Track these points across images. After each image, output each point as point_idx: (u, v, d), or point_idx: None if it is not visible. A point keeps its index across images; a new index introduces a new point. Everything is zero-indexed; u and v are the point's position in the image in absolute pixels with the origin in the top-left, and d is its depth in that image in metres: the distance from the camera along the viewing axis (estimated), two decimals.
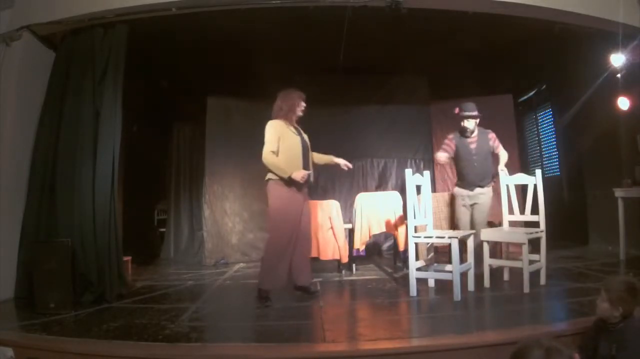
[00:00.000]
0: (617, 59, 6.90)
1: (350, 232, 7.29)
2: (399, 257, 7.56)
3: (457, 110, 6.52)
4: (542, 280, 5.93)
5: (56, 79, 6.18)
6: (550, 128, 10.60)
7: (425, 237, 5.83)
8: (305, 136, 5.77)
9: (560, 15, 6.22)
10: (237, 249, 8.71)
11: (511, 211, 6.39)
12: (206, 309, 5.29)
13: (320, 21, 6.63)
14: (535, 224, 6.12)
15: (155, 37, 6.93)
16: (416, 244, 5.88)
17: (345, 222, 7.40)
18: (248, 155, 8.17)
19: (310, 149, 5.76)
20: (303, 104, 5.77)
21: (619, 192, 7.41)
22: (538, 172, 6.20)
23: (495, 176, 6.58)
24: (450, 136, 6.65)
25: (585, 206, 9.15)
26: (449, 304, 5.31)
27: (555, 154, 10.51)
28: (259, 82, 7.80)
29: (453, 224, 7.07)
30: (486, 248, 5.96)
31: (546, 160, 10.96)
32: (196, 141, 9.34)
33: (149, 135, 9.53)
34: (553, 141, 10.53)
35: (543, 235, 6.02)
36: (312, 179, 5.68)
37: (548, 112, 10.65)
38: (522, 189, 6.58)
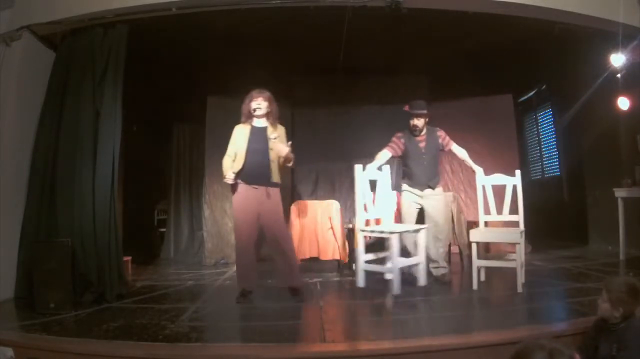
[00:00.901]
0: (617, 59, 6.90)
1: (350, 232, 7.29)
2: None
3: (406, 107, 6.52)
4: (522, 279, 5.93)
5: (56, 79, 6.18)
6: (550, 128, 10.62)
7: (367, 231, 5.94)
8: (270, 134, 5.66)
9: (560, 15, 6.21)
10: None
11: (487, 211, 6.38)
12: (206, 309, 5.30)
13: (320, 21, 6.63)
14: (515, 224, 6.18)
15: (155, 37, 6.93)
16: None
17: (345, 223, 7.40)
18: None
19: (268, 154, 5.62)
20: (253, 103, 5.71)
21: (619, 192, 7.42)
22: (517, 172, 6.20)
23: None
24: (399, 134, 6.59)
25: (585, 206, 9.15)
26: (449, 304, 5.34)
27: (555, 154, 10.52)
28: (259, 83, 7.78)
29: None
30: (474, 249, 5.94)
31: (546, 160, 10.98)
32: (196, 141, 9.33)
33: (149, 135, 9.53)
34: (553, 141, 10.55)
35: (523, 235, 6.05)
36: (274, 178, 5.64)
37: (548, 112, 10.67)
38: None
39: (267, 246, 5.77)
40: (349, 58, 8.41)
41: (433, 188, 6.46)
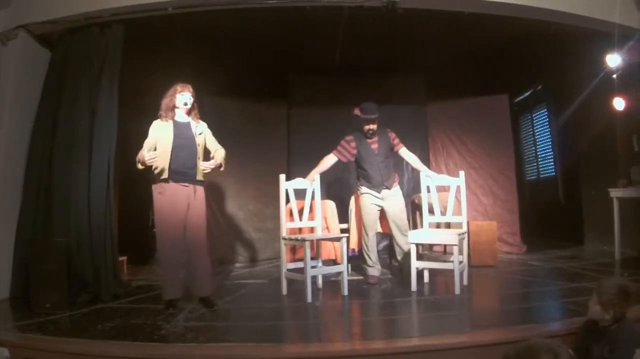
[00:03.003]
0: (613, 60, 6.93)
1: (346, 232, 7.28)
2: (394, 257, 7.55)
3: (357, 112, 6.46)
4: (465, 281, 6.06)
5: (52, 78, 6.18)
6: (546, 128, 10.64)
7: (286, 239, 5.95)
8: (195, 129, 5.47)
9: (556, 16, 6.22)
10: (232, 249, 8.68)
11: (431, 212, 6.45)
12: (201, 309, 5.28)
13: (317, 21, 6.64)
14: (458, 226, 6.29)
15: (151, 37, 6.93)
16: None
17: (340, 222, 7.39)
18: (244, 155, 8.20)
19: (197, 149, 5.41)
20: (180, 95, 5.47)
21: (614, 192, 7.45)
22: (462, 173, 6.29)
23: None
24: (349, 138, 6.55)
25: (580, 206, 9.19)
26: (446, 304, 5.35)
27: (550, 154, 10.54)
28: (255, 82, 7.80)
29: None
30: (414, 250, 5.94)
31: (542, 160, 11.00)
32: None
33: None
34: (549, 141, 10.57)
35: (465, 236, 6.13)
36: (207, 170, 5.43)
37: (544, 112, 10.69)
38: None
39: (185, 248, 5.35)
40: (346, 58, 8.43)
41: (389, 188, 6.50)
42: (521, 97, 11.31)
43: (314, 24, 6.84)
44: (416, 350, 3.86)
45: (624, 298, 3.39)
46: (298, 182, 6.29)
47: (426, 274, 6.34)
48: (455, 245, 5.73)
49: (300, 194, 6.28)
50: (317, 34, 7.50)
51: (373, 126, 6.42)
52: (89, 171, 5.85)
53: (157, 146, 5.28)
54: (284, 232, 6.00)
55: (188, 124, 5.47)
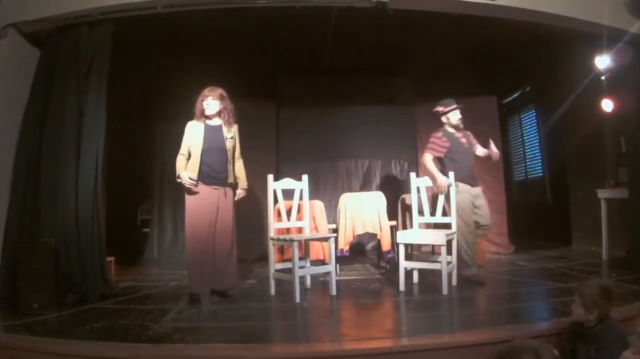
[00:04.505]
0: (602, 61, 6.96)
1: (334, 233, 7.29)
2: (383, 257, 7.58)
3: (439, 108, 6.47)
4: (454, 281, 6.07)
5: (41, 77, 6.13)
6: (534, 129, 10.70)
7: (274, 239, 5.93)
8: (226, 133, 5.70)
9: (545, 17, 6.24)
10: None
11: (421, 213, 6.45)
12: (189, 310, 5.28)
13: (306, 21, 6.64)
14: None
15: (140, 36, 6.92)
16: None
17: (329, 223, 7.41)
18: None
19: (226, 152, 5.68)
20: (205, 101, 5.70)
21: (602, 193, 7.49)
22: (451, 174, 6.21)
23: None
24: (438, 134, 6.46)
25: (568, 207, 9.24)
26: (434, 304, 5.37)
27: (538, 155, 10.61)
28: (244, 81, 7.78)
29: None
30: (402, 251, 5.95)
31: (530, 161, 11.06)
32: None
33: (133, 134, 9.47)
34: (537, 142, 10.62)
35: (455, 237, 6.09)
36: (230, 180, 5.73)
37: (532, 113, 10.75)
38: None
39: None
40: (335, 58, 8.43)
41: (475, 186, 6.47)
42: (510, 99, 11.36)
43: (304, 24, 6.84)
44: (402, 350, 3.87)
45: (606, 297, 3.43)
46: (286, 183, 6.27)
47: (415, 274, 6.35)
48: (443, 245, 5.74)
49: (288, 194, 6.28)
50: (306, 34, 7.50)
51: (457, 117, 6.45)
52: (76, 171, 5.81)
53: (190, 147, 5.57)
54: (272, 233, 5.98)
55: (219, 128, 5.69)
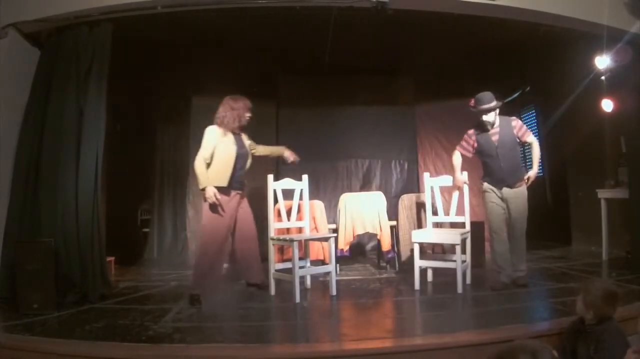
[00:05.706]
0: (602, 61, 6.96)
1: (334, 233, 7.28)
2: (383, 257, 7.58)
3: (472, 103, 6.00)
4: (468, 279, 6.11)
5: (41, 77, 6.13)
6: (534, 129, 10.66)
7: (274, 239, 5.97)
8: (248, 145, 6.02)
9: (545, 17, 6.24)
10: None
11: (435, 213, 6.49)
12: (189, 310, 5.28)
13: (306, 21, 6.63)
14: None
15: (140, 36, 6.91)
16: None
17: (329, 223, 7.41)
18: None
19: (248, 159, 6.02)
20: (248, 115, 5.96)
21: (602, 193, 7.49)
22: (464, 173, 6.26)
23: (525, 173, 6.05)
24: (471, 131, 6.16)
25: (568, 207, 9.23)
26: (429, 305, 5.37)
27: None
28: (244, 81, 7.77)
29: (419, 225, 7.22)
30: (417, 249, 5.99)
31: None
32: (180, 140, 9.27)
33: (133, 134, 9.47)
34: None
35: (468, 236, 6.15)
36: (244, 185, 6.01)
37: (532, 113, 10.74)
38: None
39: (236, 245, 6.02)
40: (335, 58, 8.42)
41: (511, 187, 5.91)
42: (509, 98, 11.32)
43: (303, 24, 6.84)
44: (402, 350, 3.87)
45: (607, 302, 3.43)
46: (286, 183, 6.29)
47: (429, 273, 6.43)
48: (458, 244, 5.78)
49: (288, 194, 6.28)
50: (306, 34, 7.49)
51: (488, 118, 5.92)
52: (76, 171, 5.81)
53: (214, 154, 5.71)
54: (272, 233, 5.99)
55: (240, 136, 5.97)
